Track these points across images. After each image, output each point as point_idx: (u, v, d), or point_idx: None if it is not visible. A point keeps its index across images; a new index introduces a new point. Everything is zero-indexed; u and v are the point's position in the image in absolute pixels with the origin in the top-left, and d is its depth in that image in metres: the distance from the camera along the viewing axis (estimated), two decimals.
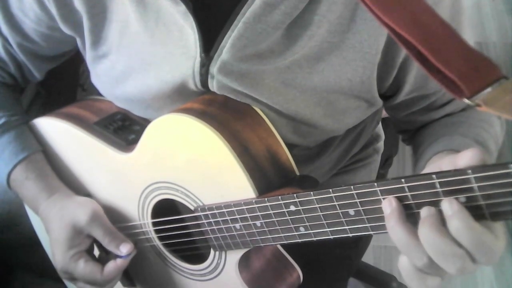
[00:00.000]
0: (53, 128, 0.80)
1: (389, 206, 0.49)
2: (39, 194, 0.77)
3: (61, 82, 1.03)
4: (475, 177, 0.44)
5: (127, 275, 0.82)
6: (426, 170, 0.54)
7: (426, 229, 0.46)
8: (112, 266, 0.72)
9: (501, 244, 0.46)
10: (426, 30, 0.52)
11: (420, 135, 0.74)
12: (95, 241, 0.75)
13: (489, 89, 0.49)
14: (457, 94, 0.50)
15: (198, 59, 0.63)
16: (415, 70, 0.65)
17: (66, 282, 0.91)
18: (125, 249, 0.72)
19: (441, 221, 0.47)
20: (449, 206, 0.46)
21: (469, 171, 0.44)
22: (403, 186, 0.48)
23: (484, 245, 0.45)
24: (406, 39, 0.51)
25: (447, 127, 0.70)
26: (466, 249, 0.45)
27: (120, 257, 0.72)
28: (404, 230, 0.48)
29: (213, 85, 0.64)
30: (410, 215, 0.49)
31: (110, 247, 0.73)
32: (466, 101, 0.50)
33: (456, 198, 0.46)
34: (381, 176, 1.06)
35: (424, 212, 0.47)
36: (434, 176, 0.46)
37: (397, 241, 0.49)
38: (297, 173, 0.66)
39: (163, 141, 0.67)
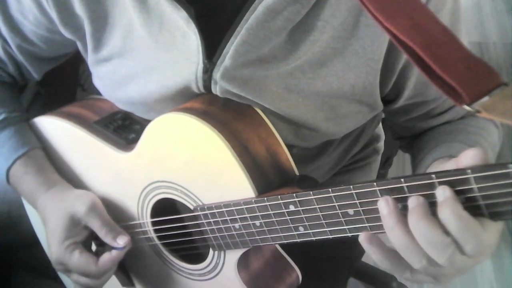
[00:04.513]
0: (53, 127, 0.80)
1: (386, 206, 0.49)
2: (37, 188, 0.77)
3: (61, 82, 1.03)
4: (474, 177, 0.44)
5: (126, 274, 0.82)
6: None
7: (415, 217, 0.47)
8: (107, 257, 0.72)
9: (488, 237, 0.46)
10: (427, 36, 0.52)
11: (418, 142, 0.74)
12: (92, 234, 0.75)
13: (489, 96, 0.50)
14: (457, 100, 0.50)
15: (201, 65, 0.63)
16: (415, 76, 0.66)
17: (66, 282, 0.92)
18: (121, 241, 0.72)
19: (429, 210, 0.47)
20: (442, 192, 0.46)
21: (469, 170, 0.44)
22: (402, 186, 0.48)
23: (469, 232, 0.45)
24: (408, 45, 0.52)
25: (446, 134, 0.70)
26: (453, 236, 0.46)
27: (116, 248, 0.72)
28: (404, 231, 0.48)
29: (216, 90, 0.64)
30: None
31: (107, 239, 0.72)
32: (466, 107, 0.50)
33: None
34: (381, 176, 1.06)
35: (413, 202, 0.47)
36: (433, 175, 0.46)
37: (396, 242, 0.49)
38: (297, 173, 0.66)
39: (163, 140, 0.67)
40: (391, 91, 0.68)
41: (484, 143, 0.67)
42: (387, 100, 0.71)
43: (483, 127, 0.70)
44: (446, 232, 0.46)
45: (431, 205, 0.47)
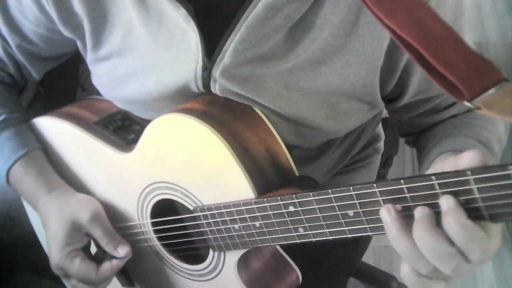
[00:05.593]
0: (52, 128, 0.80)
1: (388, 214, 0.49)
2: (38, 189, 0.77)
3: (61, 82, 1.03)
4: (474, 179, 0.44)
5: (126, 275, 0.82)
6: (430, 171, 0.54)
7: (420, 230, 0.46)
8: (107, 266, 0.72)
9: (493, 243, 0.46)
10: (427, 33, 0.52)
11: (424, 137, 0.74)
12: (92, 240, 0.75)
13: (489, 92, 0.50)
14: (458, 96, 0.50)
15: (200, 63, 0.63)
16: (419, 73, 0.65)
17: (66, 283, 0.92)
18: (122, 251, 0.73)
19: (435, 221, 0.47)
20: (446, 202, 0.46)
21: (469, 172, 0.44)
22: (402, 187, 0.48)
23: (473, 243, 0.45)
24: (408, 42, 0.52)
25: (451, 129, 0.70)
26: (458, 246, 0.46)
27: (116, 258, 0.73)
28: (407, 239, 0.47)
29: (215, 89, 0.64)
30: (409, 217, 0.49)
31: (108, 248, 0.73)
32: (467, 104, 0.50)
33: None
34: (381, 176, 1.06)
35: (418, 213, 0.47)
36: (433, 177, 0.46)
37: (401, 250, 0.48)
38: (297, 173, 0.66)
39: (163, 141, 0.66)
40: (395, 89, 0.68)
41: (489, 136, 0.67)
42: (392, 98, 0.70)
43: (489, 120, 0.70)
44: (451, 242, 0.46)
45: (433, 207, 0.47)
